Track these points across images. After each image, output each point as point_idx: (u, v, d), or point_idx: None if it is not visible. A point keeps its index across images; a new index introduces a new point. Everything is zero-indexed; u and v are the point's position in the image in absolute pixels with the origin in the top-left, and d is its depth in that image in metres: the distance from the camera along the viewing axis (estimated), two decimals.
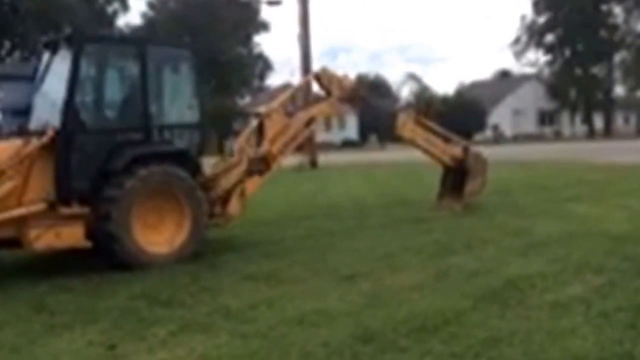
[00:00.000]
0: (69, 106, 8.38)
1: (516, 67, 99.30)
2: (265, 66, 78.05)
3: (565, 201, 14.45)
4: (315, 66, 31.25)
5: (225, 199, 10.38)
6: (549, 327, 5.73)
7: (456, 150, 13.70)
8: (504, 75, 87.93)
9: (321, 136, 57.30)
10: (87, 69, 8.74)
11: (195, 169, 9.25)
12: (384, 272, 8.03)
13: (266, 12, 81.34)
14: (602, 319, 5.92)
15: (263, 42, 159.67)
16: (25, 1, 67.59)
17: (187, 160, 9.13)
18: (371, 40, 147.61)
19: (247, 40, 76.55)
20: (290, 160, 33.02)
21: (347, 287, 7.35)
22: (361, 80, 78.71)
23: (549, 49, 78.64)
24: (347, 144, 65.04)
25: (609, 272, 7.65)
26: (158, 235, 8.86)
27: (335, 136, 65.34)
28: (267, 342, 5.53)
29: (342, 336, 5.60)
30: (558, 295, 6.77)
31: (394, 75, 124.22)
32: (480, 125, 69.88)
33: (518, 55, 79.99)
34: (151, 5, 76.37)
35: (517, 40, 78.81)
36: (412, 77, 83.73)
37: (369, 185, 20.64)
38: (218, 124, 65.51)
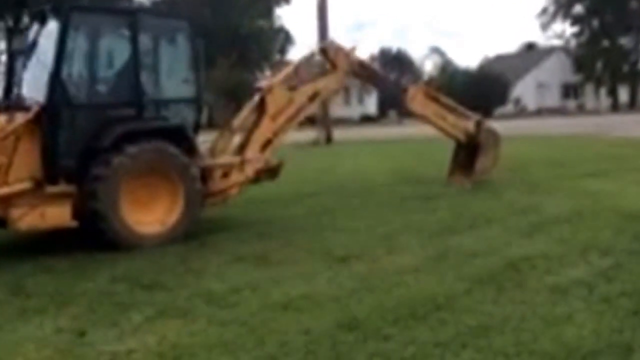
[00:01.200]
0: (55, 80, 8.09)
1: (542, 40, 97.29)
2: (287, 40, 77.08)
3: (581, 177, 13.97)
4: (342, 41, 30.80)
5: (222, 177, 10.11)
6: (545, 313, 5.38)
7: (468, 125, 13.26)
8: (529, 48, 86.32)
9: (340, 111, 57.06)
10: (75, 41, 8.38)
11: (190, 146, 8.91)
12: (381, 253, 7.70)
13: None
14: (604, 304, 5.55)
15: (284, 16, 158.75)
16: None
17: (181, 137, 8.81)
18: (397, 14, 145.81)
19: (268, 13, 75.76)
20: (306, 134, 33.11)
21: (339, 270, 7.03)
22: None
23: (576, 20, 76.86)
24: (365, 119, 64.37)
25: (617, 253, 7.26)
26: (149, 215, 8.58)
27: (354, 111, 64.76)
28: (244, 329, 5.24)
29: (325, 323, 5.30)
30: (559, 278, 6.40)
31: (419, 49, 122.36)
32: (502, 99, 68.89)
33: (544, 26, 78.50)
34: None
35: (544, 11, 77.28)
36: (436, 50, 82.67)
37: (381, 161, 20.23)
38: (238, 99, 65.34)
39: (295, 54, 72.44)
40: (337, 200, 12.02)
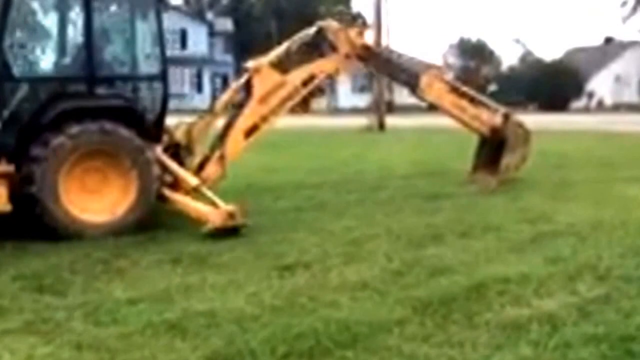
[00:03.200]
0: None
1: (625, 33, 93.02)
2: (364, 26, 75.60)
3: (620, 181, 12.50)
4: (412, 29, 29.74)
5: (201, 163, 9.24)
6: None
7: (494, 118, 11.97)
8: (608, 41, 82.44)
9: (410, 98, 55.37)
10: (19, 9, 7.60)
11: (145, 128, 8.03)
12: (337, 262, 6.65)
13: None
14: (557, 353, 4.40)
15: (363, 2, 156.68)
16: None
17: (135, 117, 7.94)
18: (477, 4, 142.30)
19: None
20: (360, 120, 32.09)
21: (274, 281, 6.05)
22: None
23: None
24: (434, 107, 62.44)
25: (613, 280, 6.07)
26: (98, 202, 7.79)
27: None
28: (98, 357, 4.32)
29: (200, 354, 4.33)
30: (524, 311, 5.26)
31: (500, 40, 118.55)
32: (578, 93, 66.09)
33: (625, 20, 74.85)
34: None
35: (624, 4, 73.56)
36: (517, 41, 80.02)
37: (416, 152, 19.05)
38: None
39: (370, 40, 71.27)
40: (337, 195, 10.99)
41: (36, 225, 7.44)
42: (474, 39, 79.45)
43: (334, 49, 10.41)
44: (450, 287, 5.83)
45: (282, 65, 9.99)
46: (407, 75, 11.46)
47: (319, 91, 67.18)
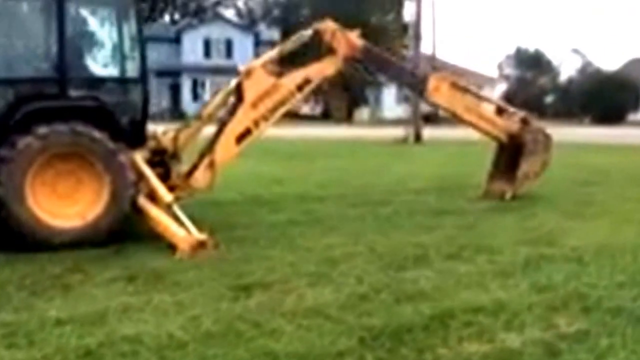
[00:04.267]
0: None
1: None
2: (416, 36, 74.57)
3: None
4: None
5: (191, 169, 8.88)
6: None
7: (511, 124, 11.30)
8: None
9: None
10: None
11: (119, 130, 7.69)
12: (301, 284, 6.17)
13: None
14: None
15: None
16: None
17: (108, 120, 7.62)
18: (537, 14, 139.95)
19: (398, 7, 74.01)
20: (395, 131, 31.46)
21: (225, 304, 5.61)
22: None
23: None
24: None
25: (601, 314, 5.48)
26: (70, 207, 7.50)
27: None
28: None
29: None
30: (486, 346, 4.72)
31: (558, 50, 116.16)
32: (636, 105, 64.14)
33: None
34: None
35: None
36: (576, 52, 78.24)
37: (442, 165, 18.42)
38: (350, 92, 64.07)
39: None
40: (338, 209, 10.50)
41: (2, 230, 7.16)
42: (531, 49, 78.03)
43: (332, 51, 9.91)
44: (412, 316, 5.31)
45: (276, 68, 9.54)
46: (412, 77, 10.81)
47: (362, 101, 66.62)
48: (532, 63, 75.57)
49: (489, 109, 11.27)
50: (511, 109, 11.53)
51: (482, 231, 8.78)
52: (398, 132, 31.99)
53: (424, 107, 58.65)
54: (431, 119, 58.45)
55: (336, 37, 9.78)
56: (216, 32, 58.73)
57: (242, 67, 9.26)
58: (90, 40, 8.11)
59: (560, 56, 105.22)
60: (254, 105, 9.06)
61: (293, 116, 63.71)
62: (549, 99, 78.52)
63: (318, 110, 70.18)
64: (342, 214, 9.98)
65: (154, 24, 69.87)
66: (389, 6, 70.78)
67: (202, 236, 7.33)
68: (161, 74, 47.50)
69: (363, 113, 63.71)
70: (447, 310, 5.43)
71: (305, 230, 8.73)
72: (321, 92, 70.24)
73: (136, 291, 5.92)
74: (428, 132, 32.67)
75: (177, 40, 57.23)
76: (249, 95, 9.04)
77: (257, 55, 61.39)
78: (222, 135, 8.97)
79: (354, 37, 9.92)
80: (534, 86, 76.30)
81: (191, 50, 57.56)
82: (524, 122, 11.32)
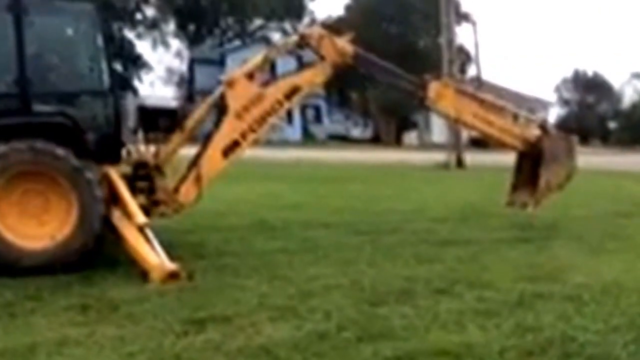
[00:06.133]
0: None
1: None
2: (467, 58, 73.71)
3: None
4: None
5: (177, 184, 8.60)
6: None
7: (529, 131, 10.60)
8: None
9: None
10: None
11: (84, 146, 7.47)
12: (261, 319, 5.75)
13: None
14: None
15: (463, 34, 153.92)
16: None
17: (72, 135, 7.39)
18: (595, 36, 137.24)
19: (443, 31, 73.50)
20: (440, 155, 30.82)
21: (169, 339, 5.23)
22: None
23: None
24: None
25: None
26: (40, 227, 7.27)
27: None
28: None
29: None
30: None
31: (619, 74, 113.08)
32: None
33: None
34: None
35: None
36: (637, 76, 76.28)
37: (473, 192, 17.79)
38: (397, 115, 63.54)
39: (472, 72, 69.50)
40: (341, 236, 10.06)
41: None
42: (589, 71, 76.31)
43: (321, 57, 9.44)
44: (369, 358, 4.86)
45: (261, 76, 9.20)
46: (411, 83, 10.13)
47: (411, 125, 65.83)
48: (591, 86, 73.72)
49: (504, 116, 10.55)
50: (531, 117, 10.82)
51: (483, 264, 8.23)
52: (442, 156, 31.40)
53: (473, 132, 58.53)
54: (481, 143, 57.53)
55: (323, 43, 9.32)
56: (258, 53, 58.93)
57: (224, 77, 8.97)
58: (55, 54, 7.98)
59: (620, 79, 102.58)
60: (239, 116, 8.73)
61: (343, 139, 63.73)
62: (612, 124, 76.58)
63: (368, 133, 69.89)
64: (341, 243, 9.52)
65: (198, 48, 70.91)
66: (435, 29, 70.33)
67: (173, 266, 6.96)
68: (205, 94, 47.66)
69: (412, 137, 63.11)
70: (410, 352, 4.97)
71: (294, 259, 8.32)
72: (371, 115, 70.24)
73: (84, 322, 5.60)
74: (473, 157, 31.91)
75: (221, 62, 57.56)
76: (233, 106, 8.73)
77: None
78: (207, 149, 8.67)
79: (343, 42, 9.44)
80: (594, 111, 74.57)
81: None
82: (542, 127, 10.64)
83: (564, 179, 10.66)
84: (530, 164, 10.62)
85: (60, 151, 7.16)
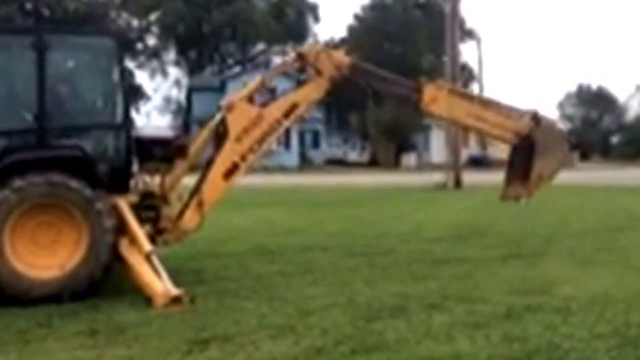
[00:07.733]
0: None
1: None
2: (470, 77, 73.93)
3: None
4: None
5: (180, 211, 8.81)
6: None
7: (519, 123, 10.63)
8: None
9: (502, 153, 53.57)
10: None
11: (96, 178, 7.73)
12: (260, 338, 6.03)
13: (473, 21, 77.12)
14: None
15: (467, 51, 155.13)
16: (217, 16, 70.84)
17: (84, 168, 7.66)
18: (600, 50, 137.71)
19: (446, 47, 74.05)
20: (438, 176, 31.11)
21: (175, 358, 5.54)
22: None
23: None
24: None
25: None
26: (51, 258, 7.49)
27: None
28: None
29: None
30: None
31: (624, 87, 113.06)
32: None
33: None
34: (356, 17, 76.82)
35: None
36: None
37: (470, 212, 18.07)
38: (395, 137, 63.82)
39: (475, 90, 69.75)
40: (337, 259, 10.29)
41: None
42: (594, 85, 76.14)
43: (318, 73, 9.53)
44: None
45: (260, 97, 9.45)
46: (406, 88, 10.15)
47: (409, 147, 65.78)
48: (595, 101, 73.46)
49: (496, 112, 10.72)
50: (517, 108, 10.95)
51: (476, 281, 8.52)
52: (441, 177, 31.65)
53: (473, 151, 58.47)
54: (481, 162, 57.56)
55: (320, 58, 9.45)
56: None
57: (223, 102, 9.23)
58: (72, 88, 8.25)
59: (625, 92, 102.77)
60: (239, 139, 8.88)
61: (340, 163, 63.98)
62: (614, 139, 76.22)
63: (365, 157, 70.11)
64: (337, 265, 9.79)
65: (198, 75, 71.47)
66: (438, 47, 70.91)
67: (177, 291, 7.24)
68: (203, 122, 47.85)
69: (410, 158, 63.31)
70: None
71: (292, 281, 8.60)
72: (369, 138, 70.51)
73: (94, 345, 5.87)
74: (472, 176, 32.20)
75: (222, 88, 57.99)
76: (233, 130, 8.88)
77: None
78: (208, 174, 8.91)
79: (340, 55, 9.59)
80: (597, 126, 74.42)
81: None
82: (534, 118, 10.80)
83: (556, 168, 10.78)
84: (523, 156, 10.67)
85: (74, 183, 7.43)
